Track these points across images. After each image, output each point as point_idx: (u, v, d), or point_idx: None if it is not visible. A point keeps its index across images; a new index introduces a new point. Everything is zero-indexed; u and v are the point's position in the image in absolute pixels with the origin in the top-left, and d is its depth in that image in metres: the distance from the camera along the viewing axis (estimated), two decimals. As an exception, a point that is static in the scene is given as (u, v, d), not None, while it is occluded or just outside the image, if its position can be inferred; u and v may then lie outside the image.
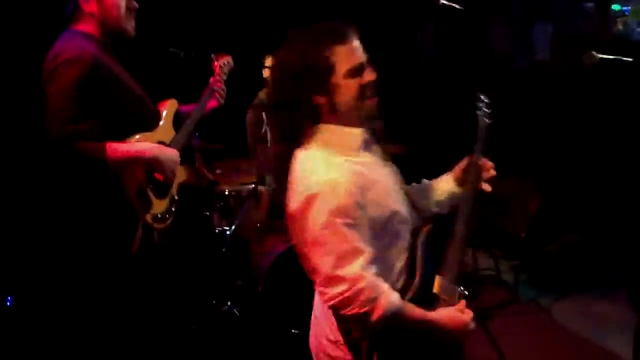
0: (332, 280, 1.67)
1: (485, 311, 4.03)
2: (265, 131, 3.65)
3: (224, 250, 3.73)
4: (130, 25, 2.71)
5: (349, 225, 1.67)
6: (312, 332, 1.97)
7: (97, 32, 2.65)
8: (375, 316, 1.66)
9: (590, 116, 4.93)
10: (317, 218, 1.66)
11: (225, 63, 3.20)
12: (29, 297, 3.39)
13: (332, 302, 1.69)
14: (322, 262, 1.68)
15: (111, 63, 2.66)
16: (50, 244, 3.27)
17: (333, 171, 1.70)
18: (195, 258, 3.79)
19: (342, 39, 1.73)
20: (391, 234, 1.79)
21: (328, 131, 1.78)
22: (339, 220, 1.65)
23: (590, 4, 5.20)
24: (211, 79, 3.14)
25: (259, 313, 3.53)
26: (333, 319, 1.82)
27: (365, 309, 1.66)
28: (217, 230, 3.77)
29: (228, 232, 3.74)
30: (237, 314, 3.62)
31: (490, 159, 2.05)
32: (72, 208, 2.71)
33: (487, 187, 2.02)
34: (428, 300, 1.81)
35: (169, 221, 2.80)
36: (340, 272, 1.66)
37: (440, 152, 2.16)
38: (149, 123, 2.80)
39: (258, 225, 3.84)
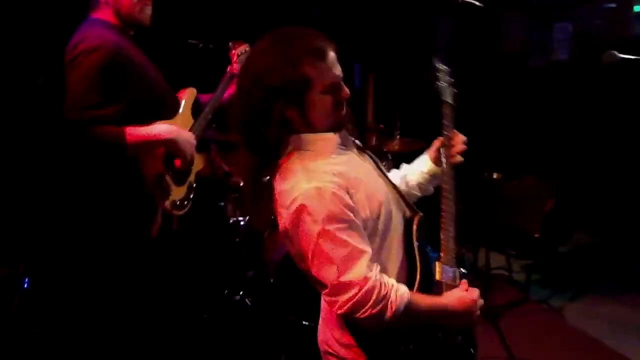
0: (340, 287, 1.64)
1: (496, 310, 4.03)
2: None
3: (237, 240, 3.75)
4: (143, 15, 2.71)
5: (343, 229, 1.63)
6: (319, 331, 1.95)
7: (115, 20, 2.67)
8: (389, 313, 1.64)
9: (606, 116, 4.90)
10: (310, 229, 1.63)
11: (243, 51, 3.20)
12: (48, 281, 3.43)
13: (344, 309, 1.65)
14: (326, 272, 1.64)
15: (131, 50, 2.68)
16: (70, 230, 3.30)
17: (315, 179, 1.66)
18: (208, 248, 3.81)
19: (321, 55, 1.69)
20: (383, 229, 1.77)
21: (302, 140, 1.75)
22: (332, 227, 1.62)
23: (611, 5, 5.16)
24: (229, 67, 3.15)
25: (270, 304, 3.55)
26: (342, 322, 1.79)
27: (379, 307, 1.63)
28: (231, 221, 3.79)
29: (242, 223, 3.76)
30: (249, 304, 3.64)
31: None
32: (91, 194, 2.74)
33: (459, 159, 2.00)
34: (432, 289, 1.80)
35: (187, 208, 2.82)
36: (347, 278, 1.63)
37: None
38: (169, 111, 2.81)
39: (272, 217, 3.85)
